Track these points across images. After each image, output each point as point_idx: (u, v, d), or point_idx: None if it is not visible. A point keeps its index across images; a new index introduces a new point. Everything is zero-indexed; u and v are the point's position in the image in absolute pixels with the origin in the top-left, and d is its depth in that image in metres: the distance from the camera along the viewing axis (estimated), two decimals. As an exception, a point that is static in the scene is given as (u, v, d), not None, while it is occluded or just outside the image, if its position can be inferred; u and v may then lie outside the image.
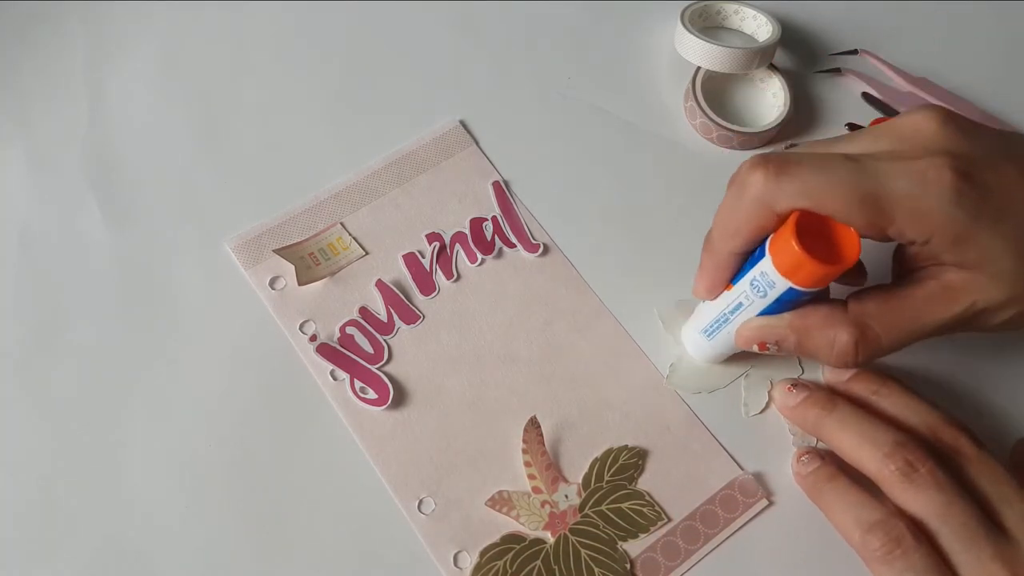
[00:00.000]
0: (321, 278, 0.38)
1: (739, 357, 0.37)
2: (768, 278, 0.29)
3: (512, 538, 0.33)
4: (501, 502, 0.34)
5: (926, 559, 0.29)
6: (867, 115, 0.44)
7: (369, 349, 0.37)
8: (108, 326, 0.37)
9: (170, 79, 0.43)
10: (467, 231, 0.39)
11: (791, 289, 0.29)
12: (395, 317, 0.37)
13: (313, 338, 0.36)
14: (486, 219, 0.40)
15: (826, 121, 0.44)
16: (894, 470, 0.30)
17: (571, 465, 0.35)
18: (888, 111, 0.45)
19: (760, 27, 0.45)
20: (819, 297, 0.31)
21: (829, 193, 0.27)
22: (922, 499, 0.30)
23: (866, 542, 0.30)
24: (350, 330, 0.37)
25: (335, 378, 0.36)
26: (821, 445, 0.36)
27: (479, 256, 0.39)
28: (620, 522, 0.34)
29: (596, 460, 0.35)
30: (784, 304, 0.30)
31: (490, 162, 0.42)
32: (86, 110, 0.42)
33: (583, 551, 0.33)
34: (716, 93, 0.44)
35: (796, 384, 0.35)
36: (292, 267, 0.37)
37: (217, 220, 0.39)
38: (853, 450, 0.32)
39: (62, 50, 0.43)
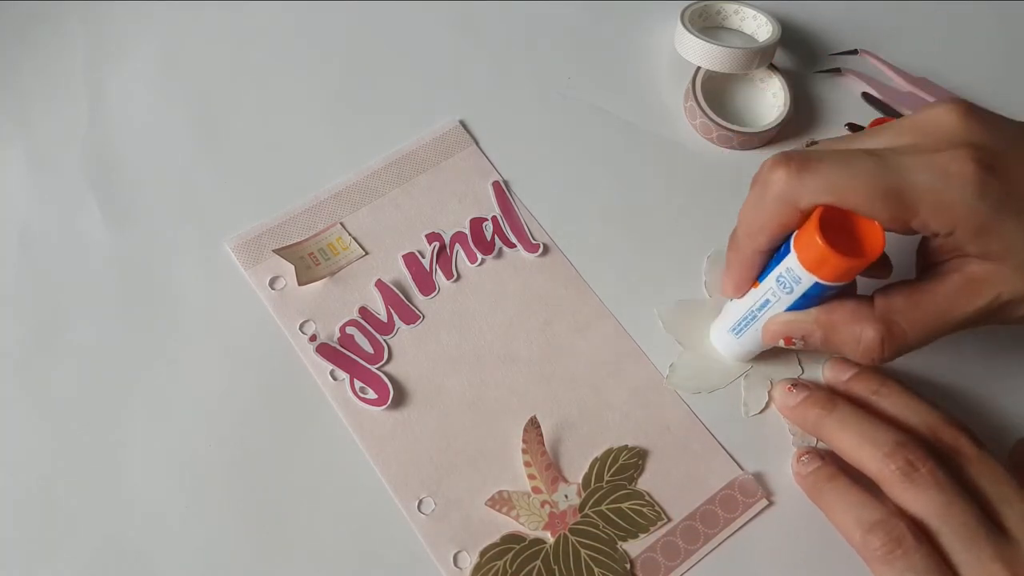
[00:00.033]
0: (321, 278, 0.38)
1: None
2: (794, 274, 0.29)
3: (512, 538, 0.33)
4: (501, 502, 0.34)
5: (927, 559, 0.29)
6: (867, 115, 0.44)
7: (369, 349, 0.37)
8: (108, 326, 0.37)
9: (170, 79, 0.43)
10: (467, 231, 0.39)
11: (817, 284, 0.29)
12: (395, 317, 0.37)
13: (313, 338, 0.36)
14: (486, 219, 0.40)
15: (826, 121, 0.44)
16: (895, 470, 0.30)
17: (571, 465, 0.35)
18: (888, 111, 0.45)
19: (760, 27, 0.45)
20: (846, 292, 0.31)
21: (852, 188, 0.27)
22: (922, 499, 0.30)
23: (867, 542, 0.30)
24: (350, 330, 0.37)
25: (335, 378, 0.36)
26: (821, 445, 0.36)
27: (479, 256, 0.39)
28: (620, 522, 0.34)
29: (596, 460, 0.35)
30: (811, 299, 0.30)
31: (490, 162, 0.42)
32: (86, 110, 0.42)
33: (583, 551, 0.33)
34: (716, 93, 0.44)
35: (796, 384, 0.35)
36: (292, 267, 0.37)
37: (217, 220, 0.39)
38: (853, 450, 0.32)
39: (62, 50, 0.43)
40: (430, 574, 0.33)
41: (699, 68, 0.43)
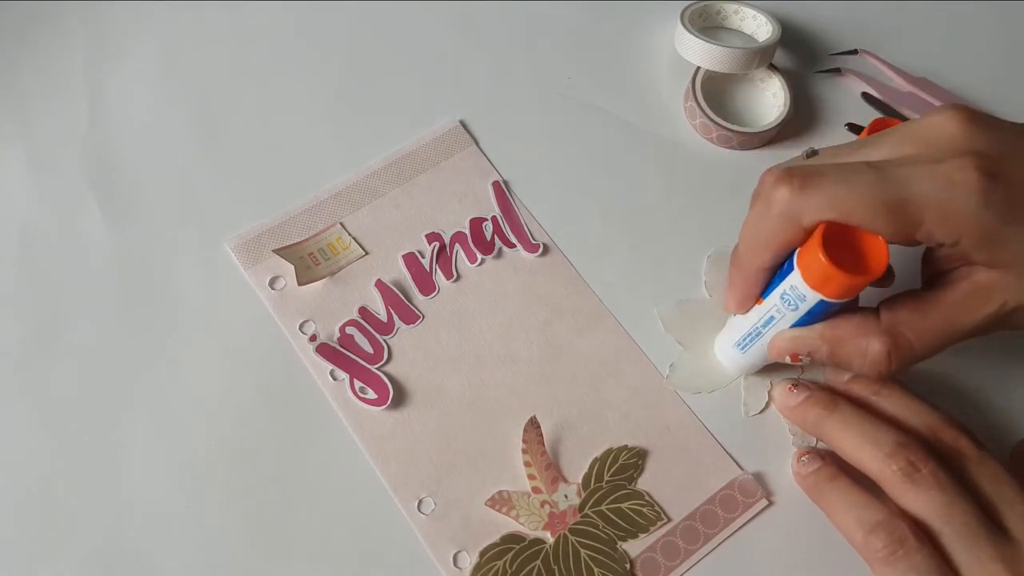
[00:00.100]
0: (321, 278, 0.38)
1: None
2: (798, 291, 0.29)
3: (512, 538, 0.33)
4: (501, 502, 0.34)
5: (929, 560, 0.29)
6: (867, 115, 0.44)
7: (369, 349, 0.37)
8: (108, 326, 0.37)
9: (170, 79, 0.43)
10: (467, 231, 0.39)
11: (822, 301, 0.29)
12: (395, 317, 0.37)
13: (313, 338, 0.36)
14: (486, 219, 0.40)
15: (826, 121, 0.44)
16: (896, 470, 0.30)
17: (571, 465, 0.35)
18: (888, 111, 0.45)
19: (760, 27, 0.45)
20: (850, 305, 0.31)
21: (855, 203, 0.27)
22: (924, 499, 0.30)
23: (869, 543, 0.30)
24: (350, 330, 0.37)
25: (335, 378, 0.36)
26: (821, 445, 0.36)
27: (479, 256, 0.39)
28: (620, 522, 0.34)
29: (596, 460, 0.35)
30: (816, 316, 0.30)
31: (490, 162, 0.42)
32: (86, 110, 0.42)
33: (583, 551, 0.33)
34: (716, 93, 0.44)
35: (796, 384, 0.35)
36: (292, 267, 0.37)
37: (217, 220, 0.39)
38: (854, 450, 0.32)
39: (62, 50, 0.43)
40: (430, 574, 0.33)
41: (699, 68, 0.43)
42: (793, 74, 0.45)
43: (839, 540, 0.32)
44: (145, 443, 0.34)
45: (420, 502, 0.34)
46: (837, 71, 0.46)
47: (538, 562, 0.33)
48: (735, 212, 0.32)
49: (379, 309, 0.37)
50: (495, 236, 0.40)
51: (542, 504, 0.34)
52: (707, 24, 0.46)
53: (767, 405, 0.37)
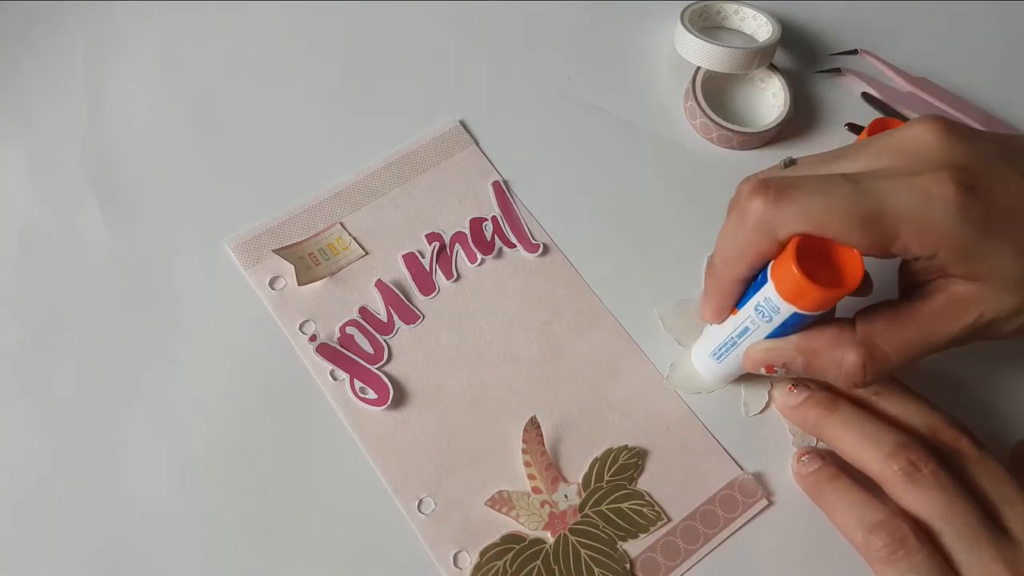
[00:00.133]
0: (321, 278, 0.38)
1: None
2: (772, 304, 0.29)
3: (512, 538, 0.33)
4: (501, 502, 0.34)
5: (929, 560, 0.29)
6: (867, 115, 0.44)
7: (369, 349, 0.37)
8: (108, 326, 0.37)
9: (170, 79, 0.43)
10: (467, 231, 0.39)
11: (796, 314, 0.29)
12: (395, 317, 0.37)
13: (313, 338, 0.36)
14: (486, 219, 0.40)
15: (826, 121, 0.44)
16: (896, 470, 0.30)
17: (571, 465, 0.35)
18: (888, 111, 0.45)
19: (760, 27, 0.45)
20: (826, 316, 0.30)
21: (830, 216, 0.27)
22: (924, 499, 0.30)
23: (869, 542, 0.30)
24: (350, 330, 0.37)
25: (335, 378, 0.36)
26: (821, 445, 0.36)
27: (479, 256, 0.39)
28: (620, 522, 0.34)
29: (596, 460, 0.35)
30: (791, 327, 0.30)
31: (490, 162, 0.42)
32: (86, 110, 0.42)
33: (583, 551, 0.33)
34: (716, 93, 0.44)
35: (797, 384, 0.35)
36: (292, 267, 0.37)
37: (217, 220, 0.39)
38: (855, 450, 0.32)
39: (62, 50, 0.43)
40: (430, 574, 0.33)
41: (699, 68, 0.43)
42: (793, 74, 0.45)
43: (839, 540, 0.32)
44: (145, 443, 0.34)
45: (420, 502, 0.34)
46: (837, 71, 0.46)
47: (538, 562, 0.33)
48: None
49: (379, 309, 0.37)
50: (495, 236, 0.40)
51: (542, 504, 0.34)
52: (707, 24, 0.46)
53: (767, 405, 0.37)
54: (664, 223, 0.41)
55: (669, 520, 0.34)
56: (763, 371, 0.32)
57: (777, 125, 0.42)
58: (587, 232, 0.40)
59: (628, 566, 0.33)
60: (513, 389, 0.36)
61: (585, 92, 0.44)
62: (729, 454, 0.36)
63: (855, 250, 0.28)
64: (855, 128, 0.44)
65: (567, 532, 0.34)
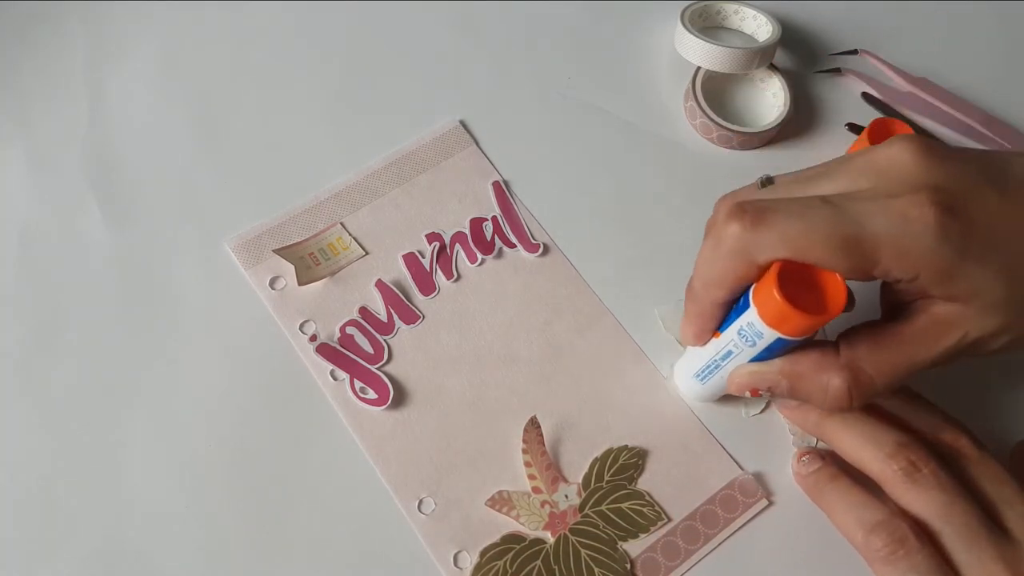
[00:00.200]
0: (321, 278, 0.38)
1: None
2: (756, 328, 0.29)
3: (512, 538, 0.33)
4: (501, 502, 0.34)
5: (929, 560, 0.29)
6: (867, 115, 0.44)
7: (369, 349, 0.37)
8: (108, 326, 0.37)
9: (170, 79, 0.43)
10: (467, 231, 0.39)
11: (780, 339, 0.28)
12: (395, 317, 0.37)
13: (313, 338, 0.36)
14: (486, 219, 0.40)
15: (826, 121, 0.44)
16: (897, 470, 0.30)
17: (571, 465, 0.35)
18: (888, 111, 0.45)
19: (760, 27, 0.45)
20: (810, 339, 0.30)
21: (809, 241, 0.27)
22: (924, 499, 0.30)
23: (869, 542, 0.30)
24: (350, 330, 0.37)
25: (335, 378, 0.36)
26: (821, 445, 0.36)
27: (479, 256, 0.39)
28: (620, 522, 0.34)
29: (596, 460, 0.35)
30: (775, 351, 0.30)
31: (490, 162, 0.42)
32: (86, 110, 0.42)
33: (583, 551, 0.33)
34: (716, 93, 0.44)
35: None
36: (292, 267, 0.37)
37: (217, 220, 0.39)
38: (855, 450, 0.32)
39: (62, 50, 0.43)
40: (430, 574, 0.33)
41: (699, 68, 0.43)
42: (793, 74, 0.45)
43: (839, 540, 0.32)
44: (145, 443, 0.34)
45: (420, 502, 0.34)
46: (837, 71, 0.46)
47: (538, 562, 0.33)
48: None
49: (379, 309, 0.37)
50: (495, 236, 0.40)
51: (542, 504, 0.34)
52: (707, 24, 0.46)
53: (767, 405, 0.37)
54: (664, 223, 0.41)
55: (669, 520, 0.34)
56: (747, 395, 0.32)
57: (777, 125, 0.42)
58: (587, 232, 0.40)
59: (628, 566, 0.33)
60: (513, 389, 0.36)
61: (585, 92, 0.44)
62: (729, 454, 0.36)
63: (837, 275, 0.27)
64: (855, 128, 0.44)
65: (567, 532, 0.34)
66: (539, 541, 0.33)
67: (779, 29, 0.43)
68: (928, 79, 0.45)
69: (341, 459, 0.34)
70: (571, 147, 0.42)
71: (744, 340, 0.30)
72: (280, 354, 0.36)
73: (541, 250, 0.39)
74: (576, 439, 0.36)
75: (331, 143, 0.41)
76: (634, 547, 0.34)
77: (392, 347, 0.37)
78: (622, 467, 0.35)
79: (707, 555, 0.34)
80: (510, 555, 0.33)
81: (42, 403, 0.35)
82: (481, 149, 0.42)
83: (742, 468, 0.35)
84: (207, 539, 0.33)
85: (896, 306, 0.30)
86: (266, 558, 0.33)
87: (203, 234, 0.39)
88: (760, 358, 0.30)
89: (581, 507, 0.34)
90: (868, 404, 0.34)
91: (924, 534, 0.30)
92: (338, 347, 0.36)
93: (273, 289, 0.37)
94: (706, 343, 0.32)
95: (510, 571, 0.33)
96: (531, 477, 0.34)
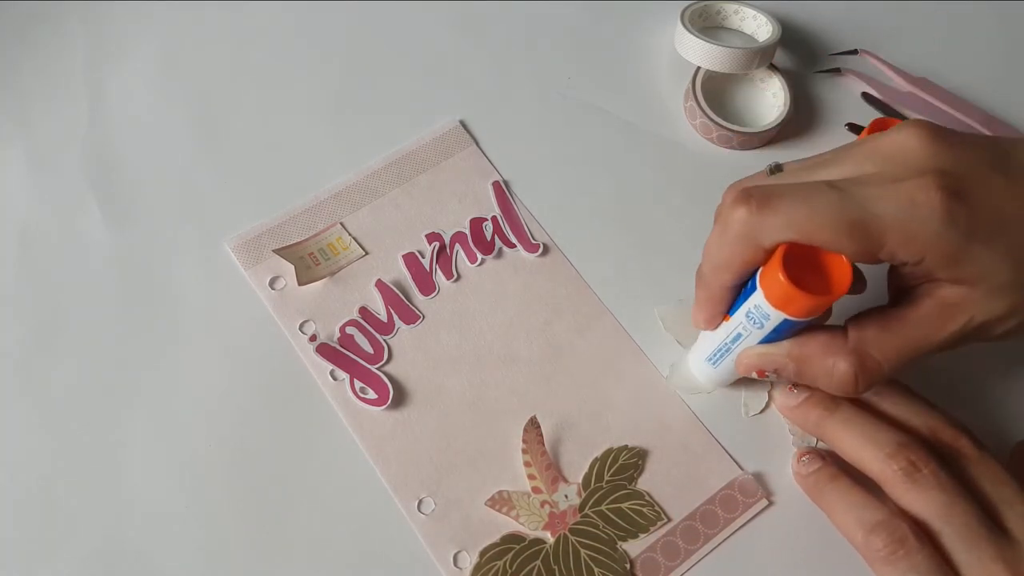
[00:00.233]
0: (321, 278, 0.38)
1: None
2: (762, 310, 0.29)
3: (512, 538, 0.33)
4: (501, 502, 0.34)
5: (929, 560, 0.29)
6: (867, 115, 0.44)
7: (369, 349, 0.37)
8: (108, 326, 0.37)
9: (170, 79, 0.43)
10: (467, 231, 0.39)
11: (787, 320, 0.29)
12: (395, 317, 0.37)
13: (313, 338, 0.36)
14: (486, 219, 0.40)
15: (826, 121, 0.44)
16: (897, 470, 0.30)
17: (571, 465, 0.35)
18: (888, 111, 0.45)
19: (760, 27, 0.45)
20: (820, 320, 0.30)
21: (815, 224, 0.27)
22: (924, 499, 0.30)
23: (869, 542, 0.30)
24: (350, 330, 0.37)
25: (335, 378, 0.36)
26: (821, 445, 0.36)
27: (479, 256, 0.39)
28: (620, 522, 0.34)
29: (596, 460, 0.35)
30: (783, 333, 0.30)
31: (490, 162, 0.42)
32: (86, 110, 0.42)
33: (583, 551, 0.33)
34: (716, 93, 0.44)
35: (797, 384, 0.35)
36: (292, 267, 0.37)
37: (217, 220, 0.39)
38: (855, 450, 0.32)
39: (62, 50, 0.43)
40: (430, 574, 0.33)
41: (699, 68, 0.43)
42: (793, 74, 0.45)
43: (839, 540, 0.32)
44: (145, 443, 0.34)
45: (420, 502, 0.34)
46: (837, 71, 0.46)
47: (538, 562, 0.33)
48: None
49: (379, 309, 0.37)
50: (495, 236, 0.40)
51: (542, 504, 0.34)
52: (707, 24, 0.46)
53: (767, 405, 0.37)
54: (664, 223, 0.41)
55: (669, 520, 0.34)
56: (755, 375, 0.32)
57: (777, 125, 0.42)
58: (587, 232, 0.40)
59: (628, 566, 0.33)
60: (513, 389, 0.36)
61: (585, 92, 0.44)
62: (729, 454, 0.36)
63: (842, 257, 0.28)
64: (855, 128, 0.44)
65: (567, 532, 0.34)
66: (539, 541, 0.33)
67: (779, 29, 0.43)
68: (928, 79, 0.45)
69: (341, 459, 0.34)
70: (571, 147, 0.42)
71: (752, 322, 0.30)
72: (280, 354, 0.36)
73: (541, 250, 0.39)
74: (576, 439, 0.36)
75: (331, 143, 0.41)
76: (634, 547, 0.34)
77: (392, 347, 0.37)
78: (622, 467, 0.35)
79: (707, 555, 0.34)
80: (510, 555, 0.33)
81: (42, 403, 0.35)
82: (481, 149, 0.42)
83: (742, 468, 0.35)
84: (207, 539, 0.33)
85: (903, 290, 0.30)
86: (266, 558, 0.33)
87: (203, 234, 0.39)
88: (769, 340, 0.31)
89: (581, 507, 0.34)
90: (868, 404, 0.34)
91: (924, 534, 0.30)
92: (338, 347, 0.36)
93: (273, 289, 0.37)
94: (716, 327, 0.33)
95: (510, 571, 0.33)
96: (531, 477, 0.34)
